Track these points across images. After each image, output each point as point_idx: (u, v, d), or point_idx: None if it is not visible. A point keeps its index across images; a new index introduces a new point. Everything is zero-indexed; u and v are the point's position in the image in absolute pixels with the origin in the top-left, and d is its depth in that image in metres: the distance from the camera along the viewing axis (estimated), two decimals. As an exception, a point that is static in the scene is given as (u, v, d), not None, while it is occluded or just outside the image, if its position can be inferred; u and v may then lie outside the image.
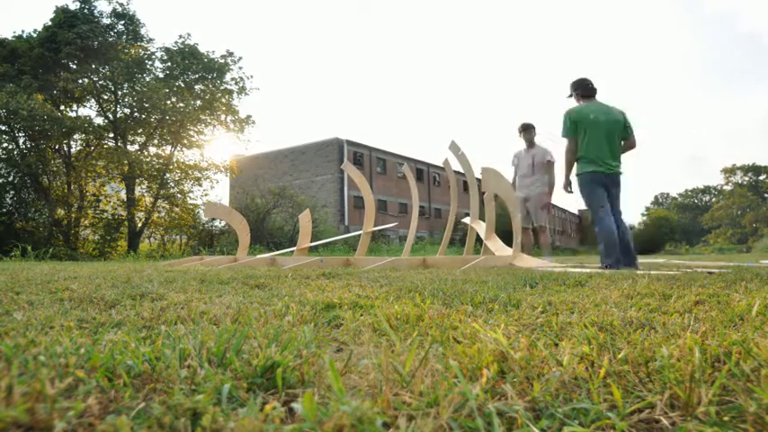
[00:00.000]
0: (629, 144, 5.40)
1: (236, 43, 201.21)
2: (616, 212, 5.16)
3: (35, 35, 17.29)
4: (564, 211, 66.66)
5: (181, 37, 20.05)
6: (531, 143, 7.23)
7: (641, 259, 11.38)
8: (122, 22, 18.33)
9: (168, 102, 17.58)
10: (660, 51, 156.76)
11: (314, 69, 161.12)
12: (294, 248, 8.95)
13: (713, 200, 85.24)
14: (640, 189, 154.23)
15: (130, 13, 18.34)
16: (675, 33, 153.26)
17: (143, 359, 0.92)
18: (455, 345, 1.12)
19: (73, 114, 17.70)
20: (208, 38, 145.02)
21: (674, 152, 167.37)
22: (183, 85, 18.57)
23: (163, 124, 17.84)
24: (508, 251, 6.14)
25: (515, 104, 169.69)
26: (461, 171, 7.96)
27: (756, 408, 0.71)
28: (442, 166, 8.90)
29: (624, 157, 5.44)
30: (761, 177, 70.47)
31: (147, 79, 18.11)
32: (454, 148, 7.70)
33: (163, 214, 18.89)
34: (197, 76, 18.94)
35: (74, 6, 17.61)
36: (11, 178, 16.34)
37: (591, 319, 1.49)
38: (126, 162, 16.56)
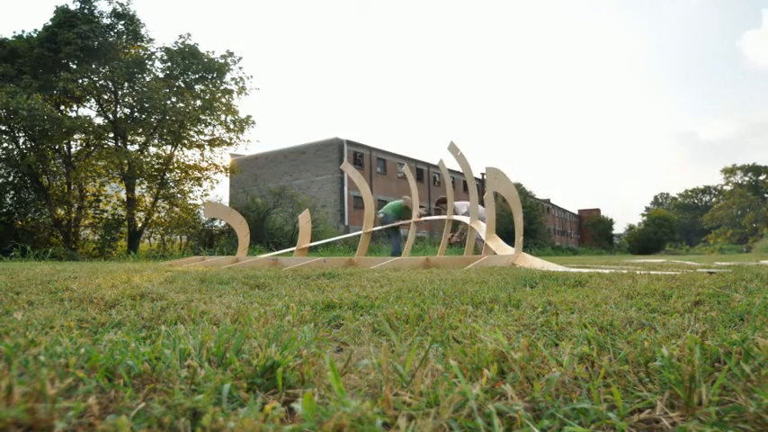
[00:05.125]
0: None
1: (236, 43, 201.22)
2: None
3: (35, 35, 17.26)
4: (564, 211, 66.66)
5: (181, 37, 20.05)
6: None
7: (641, 259, 11.35)
8: (122, 22, 18.31)
9: (168, 102, 17.56)
10: (660, 48, 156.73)
11: (314, 69, 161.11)
12: (294, 249, 8.94)
13: (713, 200, 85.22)
14: (640, 189, 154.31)
15: (130, 13, 18.33)
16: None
17: (143, 359, 0.92)
18: (455, 345, 1.12)
19: (73, 114, 17.68)
20: (208, 38, 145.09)
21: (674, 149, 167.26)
22: (183, 85, 18.54)
23: (163, 124, 17.82)
24: (510, 250, 6.13)
25: (515, 104, 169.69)
26: (461, 171, 7.95)
27: (756, 408, 0.71)
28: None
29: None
30: (761, 177, 70.39)
31: (147, 79, 18.09)
32: (453, 148, 7.70)
33: (163, 214, 18.88)
34: (197, 76, 18.92)
35: (74, 6, 17.60)
36: (11, 178, 16.33)
37: (591, 319, 1.49)
38: (126, 162, 16.54)
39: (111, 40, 17.57)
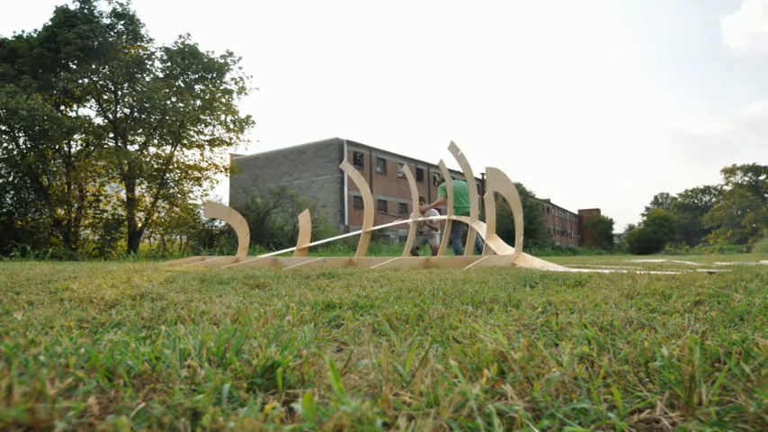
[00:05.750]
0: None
1: (236, 43, 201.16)
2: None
3: (35, 35, 17.25)
4: (564, 211, 66.65)
5: (181, 37, 20.04)
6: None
7: (641, 259, 11.36)
8: (122, 22, 18.30)
9: (168, 102, 17.55)
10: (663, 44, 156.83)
11: (314, 69, 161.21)
12: (294, 248, 8.94)
13: (713, 200, 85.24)
14: (640, 189, 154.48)
15: (130, 13, 18.32)
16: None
17: (143, 359, 0.92)
18: (455, 345, 1.12)
19: (73, 114, 17.67)
20: (208, 38, 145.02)
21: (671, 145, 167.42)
22: (182, 85, 18.54)
23: (163, 124, 17.82)
24: (510, 250, 6.13)
25: (515, 104, 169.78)
26: (462, 171, 7.96)
27: (756, 408, 0.71)
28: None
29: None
30: (761, 177, 70.38)
31: (147, 79, 18.08)
32: (453, 148, 7.70)
33: (163, 214, 18.87)
34: (197, 76, 18.91)
35: (74, 6, 17.58)
36: (11, 178, 16.33)
37: (591, 319, 1.49)
38: (126, 162, 16.54)
39: (110, 40, 17.56)
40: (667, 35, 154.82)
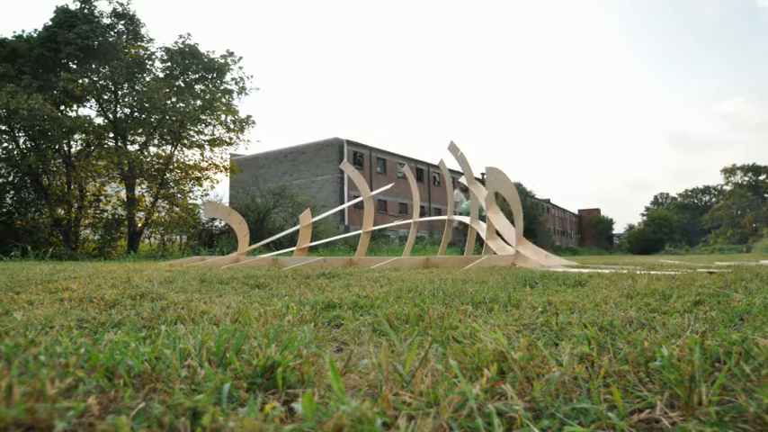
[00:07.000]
0: None
1: (236, 43, 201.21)
2: None
3: (35, 35, 17.26)
4: (564, 211, 66.66)
5: (181, 37, 20.04)
6: None
7: (641, 259, 11.37)
8: (122, 22, 18.29)
9: (168, 102, 17.55)
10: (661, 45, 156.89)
11: (314, 69, 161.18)
12: (294, 249, 8.95)
13: (713, 200, 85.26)
14: (640, 189, 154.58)
15: (130, 13, 18.31)
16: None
17: (143, 359, 0.92)
18: (455, 345, 1.12)
19: (73, 114, 17.67)
20: (208, 38, 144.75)
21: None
22: (183, 85, 18.53)
23: (163, 124, 17.82)
24: (510, 250, 6.13)
25: (515, 104, 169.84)
26: (462, 171, 7.96)
27: (756, 408, 0.71)
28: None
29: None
30: (761, 177, 70.42)
31: (147, 79, 18.08)
32: (453, 148, 7.70)
33: (163, 214, 18.87)
34: (197, 76, 18.90)
35: (74, 6, 17.58)
36: (11, 178, 16.33)
37: (591, 319, 1.49)
38: (126, 162, 16.54)
39: (111, 40, 17.56)
40: (660, 29, 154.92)
